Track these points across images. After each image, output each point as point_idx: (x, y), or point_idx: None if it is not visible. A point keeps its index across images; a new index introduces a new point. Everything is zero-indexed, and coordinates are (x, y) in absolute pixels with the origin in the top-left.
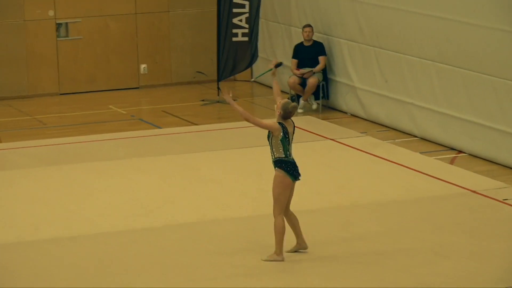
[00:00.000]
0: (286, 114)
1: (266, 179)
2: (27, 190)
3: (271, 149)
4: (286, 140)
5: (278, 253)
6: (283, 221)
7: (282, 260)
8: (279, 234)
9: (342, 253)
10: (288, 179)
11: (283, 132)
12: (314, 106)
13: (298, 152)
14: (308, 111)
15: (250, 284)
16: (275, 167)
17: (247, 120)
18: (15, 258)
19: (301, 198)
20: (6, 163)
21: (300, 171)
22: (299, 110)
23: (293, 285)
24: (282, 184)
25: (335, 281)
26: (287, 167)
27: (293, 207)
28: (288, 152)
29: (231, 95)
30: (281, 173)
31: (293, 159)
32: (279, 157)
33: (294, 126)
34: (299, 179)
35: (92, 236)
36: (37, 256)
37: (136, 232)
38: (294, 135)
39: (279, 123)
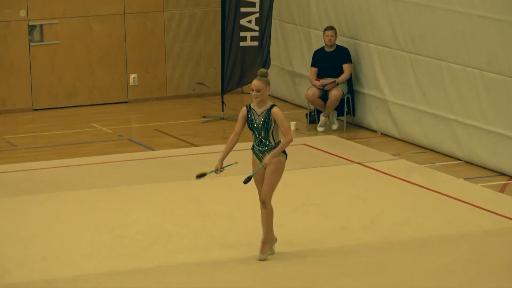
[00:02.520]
0: None
1: (281, 210)
2: None
3: (272, 135)
4: None
5: (272, 236)
6: None
7: (276, 239)
8: (272, 220)
9: None
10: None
11: None
12: (335, 126)
13: (318, 179)
14: (330, 129)
15: None
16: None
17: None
18: None
19: (324, 235)
20: None
21: (319, 200)
22: (319, 129)
23: None
24: (283, 169)
25: None
26: (284, 151)
27: (314, 244)
28: None
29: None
30: (283, 157)
31: None
32: (279, 142)
33: None
34: None
35: (71, 280)
36: None
37: (125, 274)
38: None
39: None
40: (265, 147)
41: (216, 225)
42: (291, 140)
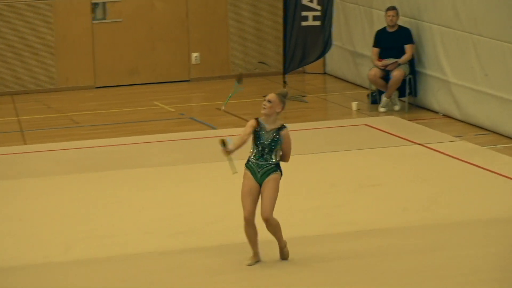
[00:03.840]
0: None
1: (340, 190)
2: (56, 202)
3: (275, 153)
4: None
5: (285, 241)
6: None
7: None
8: (280, 230)
9: (430, 280)
10: None
11: None
12: (397, 107)
13: (378, 159)
14: (391, 110)
15: None
16: (275, 170)
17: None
18: (42, 282)
19: (384, 215)
20: (31, 169)
21: (380, 181)
22: (381, 109)
23: None
24: (279, 186)
25: None
26: (280, 168)
27: (374, 224)
28: None
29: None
30: (279, 175)
31: None
32: (279, 160)
33: None
34: None
35: (131, 257)
36: (67, 279)
37: (182, 253)
38: None
39: None
40: (266, 162)
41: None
42: (287, 162)
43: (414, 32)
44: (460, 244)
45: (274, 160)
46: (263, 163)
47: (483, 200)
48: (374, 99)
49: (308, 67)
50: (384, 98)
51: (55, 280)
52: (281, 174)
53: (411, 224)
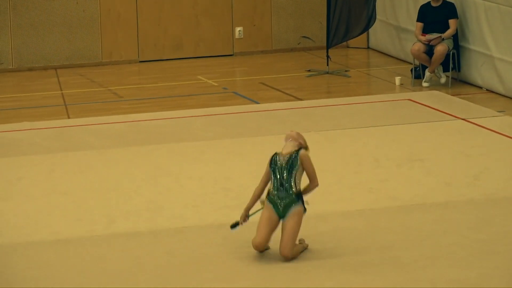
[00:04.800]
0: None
1: (384, 165)
2: (100, 176)
3: (294, 181)
4: None
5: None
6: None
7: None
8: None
9: (475, 258)
10: None
11: None
12: (443, 80)
13: (421, 134)
14: (435, 84)
15: None
16: (296, 202)
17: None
18: (87, 254)
19: (428, 190)
20: (75, 143)
21: (423, 156)
22: (424, 84)
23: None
24: (301, 222)
25: None
26: (303, 203)
27: (417, 199)
28: None
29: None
30: (302, 209)
31: None
32: (300, 190)
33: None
34: None
35: (175, 231)
36: (111, 252)
37: (228, 227)
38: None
39: None
40: (287, 192)
41: (323, 180)
42: (317, 186)
43: (458, 7)
44: (507, 220)
45: (294, 189)
46: (283, 195)
47: None
48: (418, 74)
49: (352, 42)
50: (427, 73)
51: (99, 253)
52: (305, 210)
53: (455, 199)
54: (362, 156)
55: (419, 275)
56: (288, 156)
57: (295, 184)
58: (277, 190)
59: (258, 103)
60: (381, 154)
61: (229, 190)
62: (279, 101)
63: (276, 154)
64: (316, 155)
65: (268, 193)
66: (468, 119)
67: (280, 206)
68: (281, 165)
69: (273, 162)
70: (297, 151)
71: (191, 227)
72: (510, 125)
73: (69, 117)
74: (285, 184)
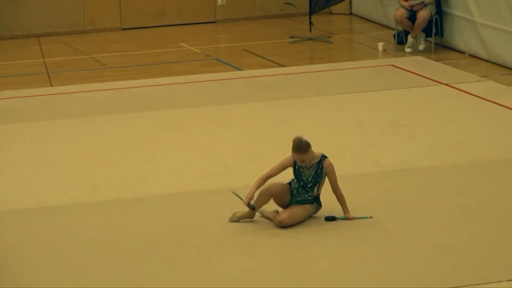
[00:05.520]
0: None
1: (367, 131)
2: (84, 144)
3: (317, 187)
4: None
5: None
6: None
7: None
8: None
9: (459, 224)
10: None
11: None
12: (421, 47)
13: (404, 100)
14: (417, 50)
15: None
16: (312, 203)
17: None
18: (70, 221)
19: (412, 156)
20: (58, 110)
21: (407, 121)
22: (407, 50)
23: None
24: (307, 216)
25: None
26: (320, 202)
27: (401, 165)
28: None
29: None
30: (314, 207)
31: None
32: (319, 193)
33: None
34: None
35: (159, 198)
36: (96, 219)
37: (213, 193)
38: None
39: None
40: (306, 194)
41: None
42: (343, 194)
43: None
44: (491, 184)
45: (314, 193)
46: (303, 195)
47: (510, 140)
48: (400, 40)
49: (334, 8)
50: (410, 39)
51: (84, 220)
52: (318, 206)
53: (439, 164)
54: (345, 122)
55: (403, 240)
56: (312, 169)
57: (317, 189)
58: (298, 189)
59: (241, 69)
60: (364, 120)
61: (213, 157)
62: (262, 67)
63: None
64: (299, 122)
65: (290, 182)
66: (451, 85)
67: (295, 197)
68: (307, 178)
69: (297, 172)
70: (320, 161)
71: (175, 194)
72: (493, 90)
73: (52, 85)
74: (308, 190)
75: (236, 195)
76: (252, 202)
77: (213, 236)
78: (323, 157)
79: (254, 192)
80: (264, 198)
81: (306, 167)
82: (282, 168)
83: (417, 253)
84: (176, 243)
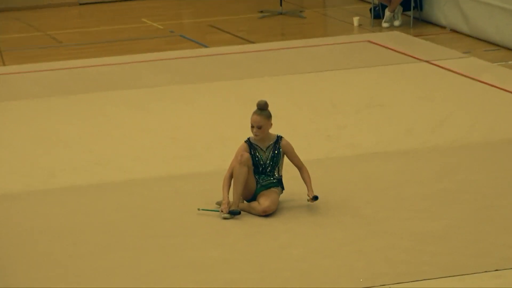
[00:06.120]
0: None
1: (342, 111)
2: (39, 127)
3: (277, 169)
4: None
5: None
6: None
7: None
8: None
9: (439, 209)
10: None
11: None
12: (397, 23)
13: (383, 78)
14: (394, 25)
15: None
16: (277, 186)
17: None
18: (25, 210)
19: (390, 138)
20: (12, 91)
21: (384, 101)
22: (384, 24)
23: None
24: None
25: (429, 242)
26: (282, 185)
27: (378, 147)
28: None
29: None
30: (280, 190)
31: None
32: (281, 175)
33: None
34: None
35: (123, 184)
36: (51, 207)
37: (179, 178)
38: None
39: None
40: (269, 179)
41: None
42: (307, 170)
43: None
44: (472, 168)
45: (277, 175)
46: (265, 182)
47: (494, 120)
48: (377, 14)
49: None
50: (387, 13)
51: (39, 208)
52: (282, 189)
53: (418, 147)
54: (319, 101)
55: (380, 227)
56: (268, 151)
57: (278, 171)
58: (259, 175)
59: (207, 46)
60: (339, 99)
61: (179, 140)
62: (229, 44)
63: (251, 144)
64: (270, 102)
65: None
66: (431, 61)
67: (258, 183)
68: (264, 161)
69: (254, 157)
70: (276, 141)
71: (139, 180)
72: (476, 67)
73: (4, 64)
74: (269, 174)
75: (206, 210)
76: (232, 208)
77: (180, 224)
78: (279, 137)
79: (228, 195)
80: (242, 175)
81: (262, 149)
82: (244, 157)
83: (396, 241)
84: (141, 232)
